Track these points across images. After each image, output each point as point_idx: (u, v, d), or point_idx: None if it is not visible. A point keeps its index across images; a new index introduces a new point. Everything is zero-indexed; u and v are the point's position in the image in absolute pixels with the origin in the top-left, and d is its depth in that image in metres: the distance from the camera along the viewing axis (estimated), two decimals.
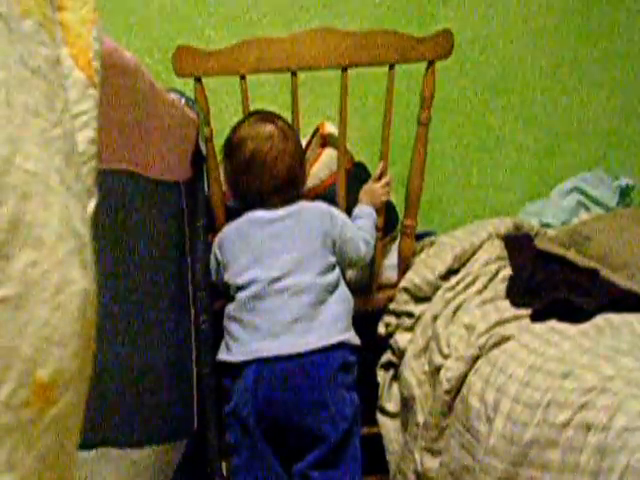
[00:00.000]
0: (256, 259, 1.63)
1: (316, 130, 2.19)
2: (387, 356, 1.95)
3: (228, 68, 1.78)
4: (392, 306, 1.95)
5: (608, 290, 1.68)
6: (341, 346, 1.58)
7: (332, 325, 1.59)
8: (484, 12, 2.50)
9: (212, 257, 1.74)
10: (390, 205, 1.99)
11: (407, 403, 1.78)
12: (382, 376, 1.96)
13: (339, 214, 1.71)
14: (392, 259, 2.02)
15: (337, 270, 1.66)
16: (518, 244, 1.96)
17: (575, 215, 2.34)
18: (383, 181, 1.88)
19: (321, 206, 1.69)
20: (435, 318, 1.81)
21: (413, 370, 1.78)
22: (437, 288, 1.89)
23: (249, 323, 1.59)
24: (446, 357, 1.67)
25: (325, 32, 1.77)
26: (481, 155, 2.54)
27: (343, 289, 1.67)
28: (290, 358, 1.53)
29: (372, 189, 1.86)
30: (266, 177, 1.67)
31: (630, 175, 2.47)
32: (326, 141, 1.99)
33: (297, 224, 1.64)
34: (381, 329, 1.97)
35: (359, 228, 1.75)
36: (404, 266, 1.99)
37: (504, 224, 2.03)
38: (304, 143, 2.18)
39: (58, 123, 0.47)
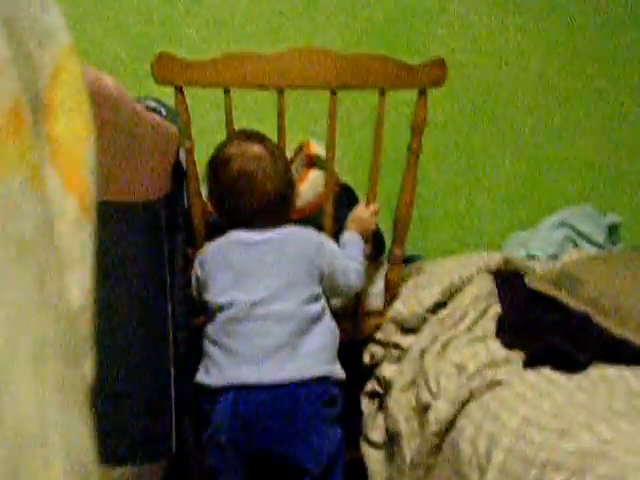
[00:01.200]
0: (237, 280, 1.55)
1: (300, 148, 2.10)
2: (372, 385, 1.88)
3: (212, 80, 1.67)
4: (378, 335, 1.87)
5: (601, 338, 1.62)
6: (324, 379, 1.49)
7: (315, 357, 1.50)
8: (473, 37, 2.42)
9: (193, 275, 1.65)
10: (377, 231, 1.90)
11: (393, 437, 1.71)
12: (367, 404, 1.89)
13: (329, 244, 1.62)
14: (378, 286, 1.93)
15: (322, 301, 1.57)
16: (508, 282, 1.90)
17: (563, 249, 2.28)
18: (372, 208, 1.79)
19: (311, 234, 1.60)
20: (423, 352, 1.75)
21: (400, 405, 1.71)
22: (425, 320, 1.82)
23: (228, 347, 1.51)
24: (435, 396, 1.60)
25: (315, 52, 1.68)
26: (467, 181, 2.47)
27: (328, 320, 1.57)
28: (270, 387, 1.45)
29: (360, 217, 1.77)
30: (254, 198, 1.57)
31: (618, 210, 2.43)
32: (312, 162, 1.90)
33: (283, 249, 1.55)
34: (366, 358, 1.89)
35: (349, 257, 1.65)
36: (391, 294, 1.91)
37: (494, 259, 1.95)
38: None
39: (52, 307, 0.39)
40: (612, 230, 2.36)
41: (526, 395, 1.45)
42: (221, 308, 1.54)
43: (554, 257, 2.26)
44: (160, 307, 1.53)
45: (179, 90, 1.69)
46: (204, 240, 1.75)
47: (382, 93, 1.73)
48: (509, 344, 1.68)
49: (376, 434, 1.82)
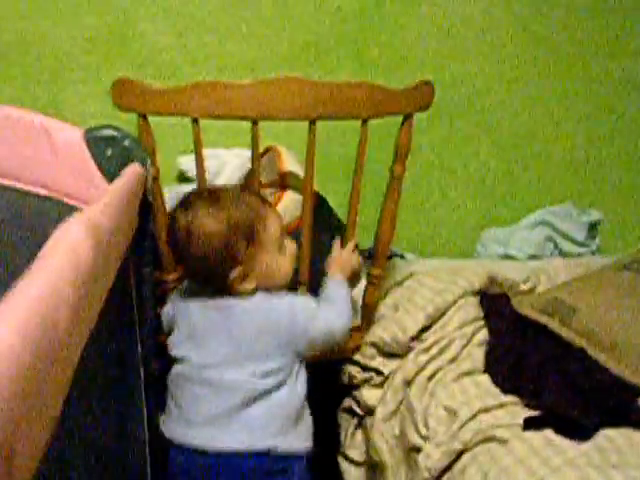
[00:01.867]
0: (194, 338, 1.46)
1: (266, 151, 1.96)
2: (349, 402, 1.83)
3: (178, 109, 1.52)
4: (357, 357, 1.79)
5: (599, 379, 1.56)
6: (267, 453, 1.39)
7: (260, 429, 1.40)
8: (447, 31, 2.29)
9: (165, 308, 1.59)
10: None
11: (377, 467, 1.67)
12: (345, 419, 1.85)
13: (303, 311, 1.46)
14: (357, 303, 1.84)
15: (281, 375, 1.43)
16: (495, 305, 1.81)
17: (543, 249, 2.22)
18: (350, 245, 1.68)
19: (283, 306, 1.45)
20: (407, 382, 1.69)
21: (383, 435, 1.66)
22: (408, 348, 1.74)
23: (178, 402, 1.44)
24: (424, 438, 1.54)
25: (293, 81, 1.51)
26: (442, 174, 2.35)
27: (282, 394, 1.44)
28: (211, 454, 1.38)
29: (340, 258, 1.66)
30: (195, 268, 1.48)
31: (599, 206, 2.36)
32: (286, 181, 1.77)
33: (250, 319, 1.42)
34: (344, 379, 1.83)
35: (331, 302, 1.54)
36: (369, 313, 1.84)
37: (479, 278, 1.85)
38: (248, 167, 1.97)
39: None
40: (592, 226, 2.30)
41: (527, 462, 1.37)
42: (176, 359, 1.48)
43: (534, 258, 2.20)
44: (128, 338, 1.47)
45: (143, 117, 1.53)
46: (175, 265, 1.67)
47: (365, 122, 1.59)
48: (501, 386, 1.60)
49: (355, 453, 1.79)
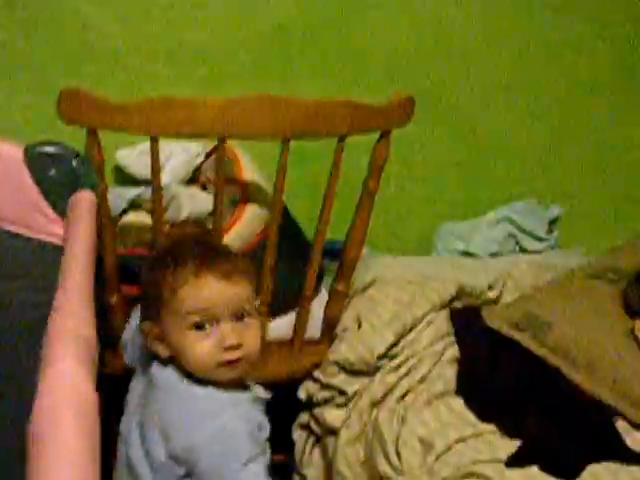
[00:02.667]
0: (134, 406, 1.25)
1: (213, 149, 1.78)
2: (306, 417, 1.72)
3: (136, 125, 1.34)
4: (318, 375, 1.68)
5: (578, 403, 1.49)
6: None
7: None
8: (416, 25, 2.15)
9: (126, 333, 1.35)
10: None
11: None
12: (300, 436, 1.75)
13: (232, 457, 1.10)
14: (317, 314, 1.72)
15: None
16: (465, 319, 1.71)
17: (504, 247, 2.12)
18: None
19: (203, 431, 1.11)
20: (373, 404, 1.58)
21: (347, 460, 1.56)
22: (375, 367, 1.63)
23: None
24: (397, 471, 1.44)
25: (265, 99, 1.36)
26: (400, 168, 2.20)
27: None
28: None
29: None
30: None
31: (560, 201, 2.26)
32: (247, 193, 1.61)
33: (158, 407, 1.17)
34: (302, 394, 1.71)
35: None
36: (330, 328, 1.73)
37: (447, 290, 1.74)
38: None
39: None
40: (552, 221, 2.21)
41: None
42: None
43: (495, 255, 2.11)
44: None
45: (92, 133, 1.35)
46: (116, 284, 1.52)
47: (341, 140, 1.44)
48: (476, 411, 1.52)
49: (312, 471, 1.70)
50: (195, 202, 1.68)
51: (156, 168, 1.40)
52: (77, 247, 1.05)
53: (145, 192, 1.67)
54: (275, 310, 1.63)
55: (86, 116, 1.33)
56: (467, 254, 2.13)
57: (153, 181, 1.42)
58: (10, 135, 1.82)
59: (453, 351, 1.66)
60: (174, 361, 1.16)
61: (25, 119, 1.88)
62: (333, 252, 1.96)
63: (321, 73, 2.07)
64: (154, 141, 1.36)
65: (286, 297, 1.65)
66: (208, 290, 1.12)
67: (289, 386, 1.70)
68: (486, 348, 1.63)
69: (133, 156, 1.86)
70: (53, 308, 0.84)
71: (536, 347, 1.58)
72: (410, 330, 1.66)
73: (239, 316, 1.15)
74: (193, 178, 1.85)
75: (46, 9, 1.84)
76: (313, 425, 1.70)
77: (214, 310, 1.12)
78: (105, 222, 1.44)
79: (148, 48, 1.92)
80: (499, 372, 1.57)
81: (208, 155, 1.88)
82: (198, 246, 1.21)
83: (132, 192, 1.69)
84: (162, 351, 1.16)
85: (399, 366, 1.62)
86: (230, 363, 1.13)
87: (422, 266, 1.96)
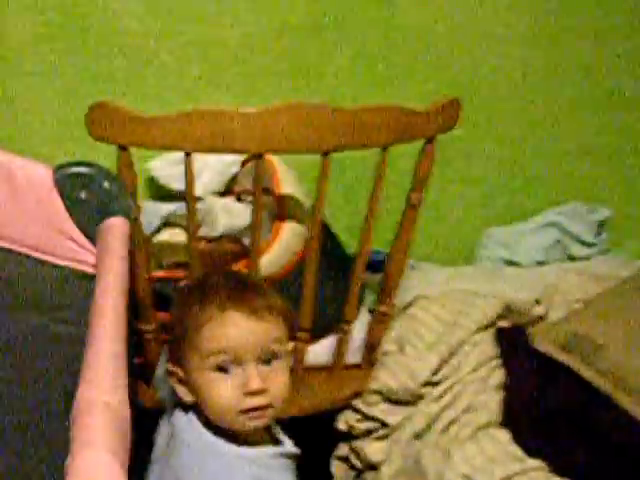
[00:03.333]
0: None
1: (249, 157, 1.71)
2: (345, 449, 1.63)
3: (169, 141, 1.26)
4: (358, 404, 1.59)
5: (633, 435, 1.39)
6: None
7: None
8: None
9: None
10: None
11: None
12: (340, 468, 1.65)
13: None
14: (357, 337, 1.63)
15: None
16: (511, 341, 1.62)
17: (551, 255, 2.03)
18: None
19: None
20: (417, 436, 1.50)
21: None
22: (419, 396, 1.55)
23: None
24: None
25: (302, 109, 1.26)
26: (442, 169, 2.10)
27: None
28: None
29: None
30: None
31: (609, 203, 2.16)
32: (284, 208, 1.52)
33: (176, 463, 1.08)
34: (341, 425, 1.62)
35: None
36: (370, 352, 1.63)
37: (493, 308, 1.65)
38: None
39: None
40: (599, 224, 2.12)
41: None
42: None
43: (541, 263, 2.02)
44: None
45: (123, 149, 1.27)
46: (152, 311, 1.45)
47: (384, 149, 1.35)
48: (523, 445, 1.43)
49: None
50: (231, 216, 1.61)
51: (190, 189, 1.32)
52: (108, 291, 0.96)
53: (180, 208, 1.59)
54: (314, 333, 1.55)
55: (116, 132, 1.25)
56: (511, 263, 2.05)
57: (187, 201, 1.34)
58: (42, 142, 1.82)
59: (499, 376, 1.58)
60: (196, 408, 1.08)
61: (57, 123, 1.82)
62: (373, 264, 1.88)
63: (358, 67, 1.97)
64: (188, 156, 1.28)
65: (326, 319, 1.56)
66: (233, 327, 1.03)
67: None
68: (533, 372, 1.54)
69: (167, 166, 1.79)
70: (82, 376, 0.76)
71: (586, 371, 1.48)
72: (454, 353, 1.58)
73: (266, 358, 1.06)
74: (228, 189, 1.78)
75: (75, 8, 1.76)
76: (353, 459, 1.62)
77: (239, 350, 1.02)
78: (138, 246, 1.37)
79: (179, 46, 1.83)
80: (547, 400, 1.48)
81: (243, 163, 1.81)
82: (227, 280, 1.12)
83: (166, 209, 1.61)
84: (185, 395, 1.08)
85: (442, 394, 1.54)
86: (253, 411, 1.04)
87: (465, 279, 1.87)
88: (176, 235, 1.61)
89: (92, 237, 1.25)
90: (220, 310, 1.04)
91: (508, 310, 1.68)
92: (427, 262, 2.10)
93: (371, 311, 1.64)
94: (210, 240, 1.77)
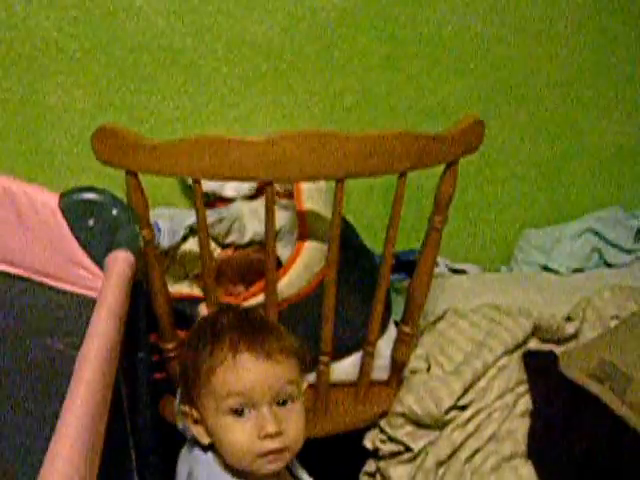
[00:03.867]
0: None
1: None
2: (373, 466, 1.59)
3: (177, 168, 1.22)
4: (384, 425, 1.54)
5: None
6: None
7: None
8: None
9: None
10: (387, 295, 1.51)
11: None
12: None
13: None
14: (384, 353, 1.57)
15: None
16: (539, 366, 1.54)
17: (587, 262, 1.96)
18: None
19: None
20: (440, 463, 1.45)
21: None
22: (443, 423, 1.49)
23: None
24: None
25: (312, 137, 1.19)
26: (480, 169, 2.03)
27: None
28: None
29: None
30: None
31: None
32: (306, 227, 1.47)
33: None
34: (368, 444, 1.58)
35: None
36: (397, 370, 1.58)
37: (522, 328, 1.58)
38: None
39: None
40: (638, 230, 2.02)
41: None
42: None
43: (577, 270, 1.95)
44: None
45: (132, 175, 1.24)
46: (172, 330, 1.41)
47: (402, 175, 1.29)
48: None
49: None
50: (260, 221, 1.56)
51: (201, 215, 1.29)
52: (90, 356, 0.91)
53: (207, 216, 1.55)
54: (340, 350, 1.50)
55: (122, 158, 1.22)
56: (546, 268, 1.98)
57: (199, 230, 1.30)
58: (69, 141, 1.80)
59: (525, 403, 1.50)
60: (214, 449, 1.07)
61: (84, 122, 1.79)
62: (406, 263, 1.83)
63: (391, 64, 1.89)
64: (197, 183, 1.24)
65: (353, 335, 1.51)
66: (246, 371, 1.01)
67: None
68: (561, 401, 1.47)
69: None
70: (50, 449, 0.73)
71: (615, 404, 1.40)
72: (480, 377, 1.52)
73: (281, 401, 1.03)
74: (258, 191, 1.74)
75: (98, 5, 1.71)
76: (379, 479, 1.58)
77: (253, 393, 1.00)
78: (153, 267, 1.33)
79: (205, 42, 1.77)
80: (575, 432, 1.41)
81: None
82: (238, 320, 1.09)
83: (191, 217, 1.57)
84: (202, 437, 1.06)
85: (468, 421, 1.47)
86: (270, 454, 1.02)
87: (499, 288, 1.82)
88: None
89: (101, 263, 1.23)
90: (232, 353, 1.02)
91: (538, 329, 1.60)
92: (463, 262, 2.04)
93: (398, 323, 1.60)
94: (238, 247, 1.75)
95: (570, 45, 1.95)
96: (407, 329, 1.50)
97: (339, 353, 1.50)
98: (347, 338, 1.50)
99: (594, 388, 1.43)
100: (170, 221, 1.58)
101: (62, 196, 1.21)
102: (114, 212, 1.21)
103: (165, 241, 1.63)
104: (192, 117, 1.81)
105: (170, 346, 1.41)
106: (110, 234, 1.22)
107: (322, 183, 1.52)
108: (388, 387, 1.58)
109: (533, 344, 1.62)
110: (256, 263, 1.63)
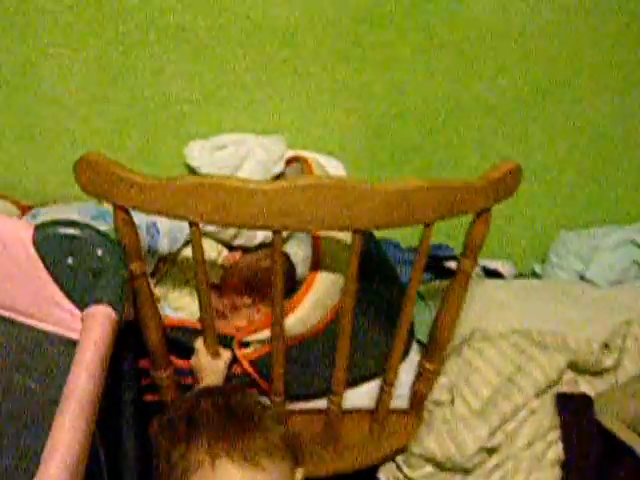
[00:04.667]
0: None
1: (292, 158, 1.51)
2: None
3: (172, 209, 1.06)
4: (401, 463, 1.43)
5: None
6: None
7: None
8: None
9: None
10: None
11: None
12: None
13: None
14: (404, 380, 1.43)
15: None
16: (574, 411, 1.40)
17: (627, 275, 1.81)
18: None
19: None
20: None
21: None
22: (465, 470, 1.37)
23: None
24: None
25: (329, 188, 1.00)
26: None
27: None
28: None
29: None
30: None
31: None
32: (319, 254, 1.32)
33: None
34: (383, 477, 1.48)
35: None
36: (417, 401, 1.44)
37: (555, 366, 1.42)
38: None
39: None
40: None
41: None
42: None
43: (616, 283, 1.80)
44: None
45: (123, 210, 1.09)
46: (165, 359, 1.28)
47: (428, 225, 1.13)
48: None
49: None
50: None
51: (198, 257, 1.13)
52: (68, 409, 0.83)
53: None
54: (356, 376, 1.37)
55: (112, 194, 1.06)
56: (582, 277, 1.82)
57: (197, 275, 1.16)
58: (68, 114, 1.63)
59: (556, 451, 1.36)
60: None
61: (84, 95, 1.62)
62: (439, 258, 1.75)
63: (425, 56, 1.68)
64: (195, 226, 1.09)
65: (371, 360, 1.38)
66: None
67: None
68: (596, 452, 1.33)
69: (206, 154, 1.59)
70: None
71: None
72: (508, 420, 1.39)
73: None
74: None
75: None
76: None
77: None
78: (146, 301, 1.19)
79: (219, 23, 1.56)
80: None
81: (288, 162, 1.61)
82: (218, 412, 0.93)
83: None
84: None
85: (492, 471, 1.35)
86: None
87: (531, 300, 1.68)
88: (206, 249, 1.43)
89: (80, 302, 1.10)
90: (210, 458, 0.87)
91: (574, 364, 1.46)
92: (497, 259, 1.92)
93: (420, 343, 1.45)
94: (246, 250, 1.61)
95: (625, 45, 1.73)
96: (430, 366, 1.35)
97: (354, 380, 1.36)
98: (363, 365, 1.37)
99: (630, 440, 1.31)
100: (170, 222, 1.43)
101: (37, 229, 1.06)
102: (98, 252, 1.06)
103: (164, 245, 1.49)
104: (202, 100, 1.62)
105: (163, 375, 1.28)
106: (93, 275, 1.07)
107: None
108: (407, 417, 1.44)
109: (567, 376, 1.48)
110: (265, 272, 1.49)
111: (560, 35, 1.67)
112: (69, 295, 1.07)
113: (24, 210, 1.54)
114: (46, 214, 1.45)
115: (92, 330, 0.97)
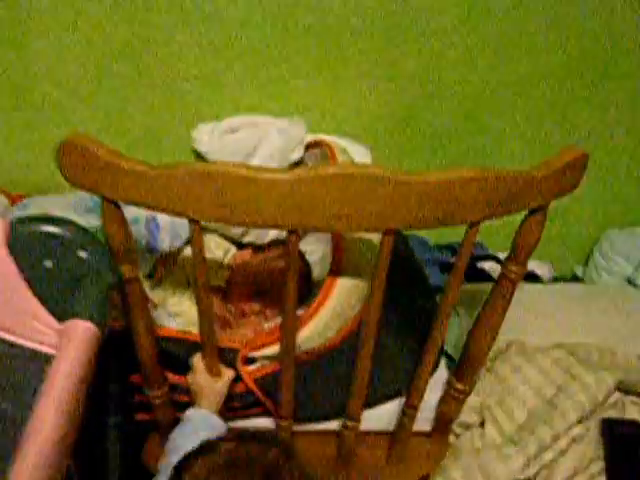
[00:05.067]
0: None
1: (312, 143, 1.34)
2: None
3: (170, 203, 0.88)
4: None
5: None
6: None
7: None
8: None
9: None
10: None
11: None
12: None
13: None
14: (428, 399, 1.24)
15: None
16: (622, 440, 1.23)
17: None
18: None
19: None
20: None
21: None
22: None
23: None
24: None
25: (356, 178, 0.83)
26: None
27: None
28: None
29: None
30: None
31: None
32: (340, 255, 1.13)
33: None
34: None
35: None
36: (442, 424, 1.28)
37: (604, 387, 1.25)
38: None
39: None
40: None
41: None
42: None
43: None
44: None
45: (113, 204, 0.91)
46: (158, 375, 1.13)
47: (473, 225, 0.94)
48: None
49: None
50: None
51: (199, 259, 0.95)
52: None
53: None
54: (376, 396, 1.21)
55: (100, 184, 0.89)
56: (629, 281, 1.67)
57: (196, 282, 0.98)
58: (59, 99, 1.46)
59: None
60: None
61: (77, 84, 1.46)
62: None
63: (465, 27, 1.50)
64: (195, 224, 0.91)
65: (394, 379, 1.23)
66: None
67: None
68: None
69: (215, 138, 1.42)
70: None
71: None
72: (546, 448, 1.21)
73: None
74: None
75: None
76: None
77: None
78: (137, 307, 1.02)
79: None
80: None
81: (307, 148, 1.43)
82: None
83: None
84: None
85: None
86: None
87: (574, 307, 1.52)
88: (207, 251, 1.26)
89: (59, 312, 0.93)
90: None
91: (622, 384, 1.28)
92: (535, 259, 1.73)
93: (447, 355, 1.28)
94: (256, 248, 1.44)
95: None
96: (461, 386, 1.18)
97: (372, 401, 1.20)
98: (383, 383, 1.21)
99: None
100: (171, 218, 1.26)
101: (12, 225, 0.88)
102: (81, 254, 0.89)
103: (165, 242, 1.32)
104: (215, 74, 1.46)
105: (156, 393, 1.12)
106: (74, 281, 0.90)
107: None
108: (430, 442, 1.27)
109: (612, 398, 1.30)
110: (276, 274, 1.32)
111: (616, 10, 1.44)
112: (46, 304, 0.88)
113: (14, 200, 1.36)
114: (40, 205, 1.27)
115: (67, 349, 0.79)
